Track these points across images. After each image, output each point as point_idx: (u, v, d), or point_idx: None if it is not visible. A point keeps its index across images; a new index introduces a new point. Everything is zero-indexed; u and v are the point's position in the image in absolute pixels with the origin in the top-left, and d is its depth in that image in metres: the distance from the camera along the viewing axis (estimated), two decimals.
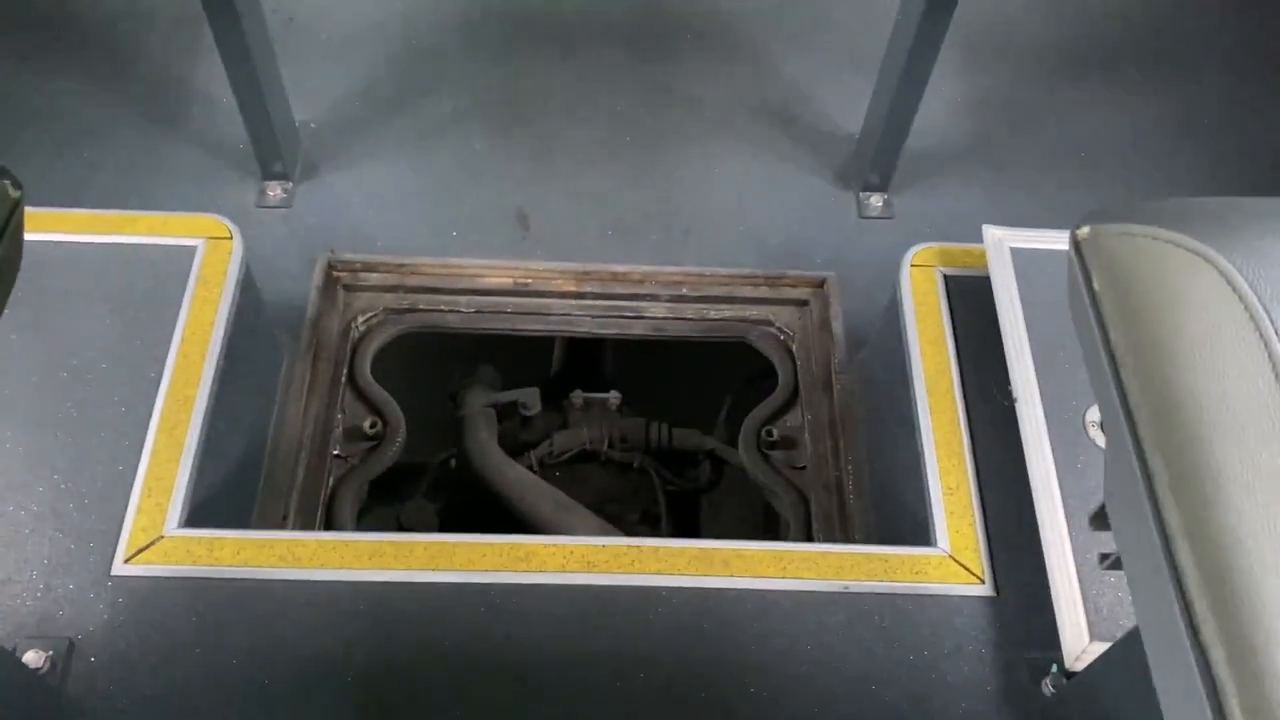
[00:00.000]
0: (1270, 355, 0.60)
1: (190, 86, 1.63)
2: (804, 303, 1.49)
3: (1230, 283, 0.63)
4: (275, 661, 0.99)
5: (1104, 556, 0.72)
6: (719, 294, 1.50)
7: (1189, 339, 0.61)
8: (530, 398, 1.65)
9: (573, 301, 1.51)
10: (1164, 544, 0.57)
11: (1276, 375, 0.60)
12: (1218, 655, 0.54)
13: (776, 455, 1.42)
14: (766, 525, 1.61)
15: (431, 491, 1.67)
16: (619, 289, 1.50)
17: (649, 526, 1.64)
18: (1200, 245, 0.64)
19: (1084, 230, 0.69)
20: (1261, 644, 0.53)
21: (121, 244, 1.19)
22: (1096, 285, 0.66)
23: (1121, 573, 0.96)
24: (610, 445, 1.65)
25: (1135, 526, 0.61)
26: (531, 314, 1.51)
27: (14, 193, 0.65)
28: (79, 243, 1.18)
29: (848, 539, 1.31)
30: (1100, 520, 0.68)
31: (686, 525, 1.69)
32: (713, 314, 1.51)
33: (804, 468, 1.39)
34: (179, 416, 1.10)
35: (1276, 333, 0.61)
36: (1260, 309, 0.62)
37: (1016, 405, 1.10)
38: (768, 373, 1.53)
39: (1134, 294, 0.64)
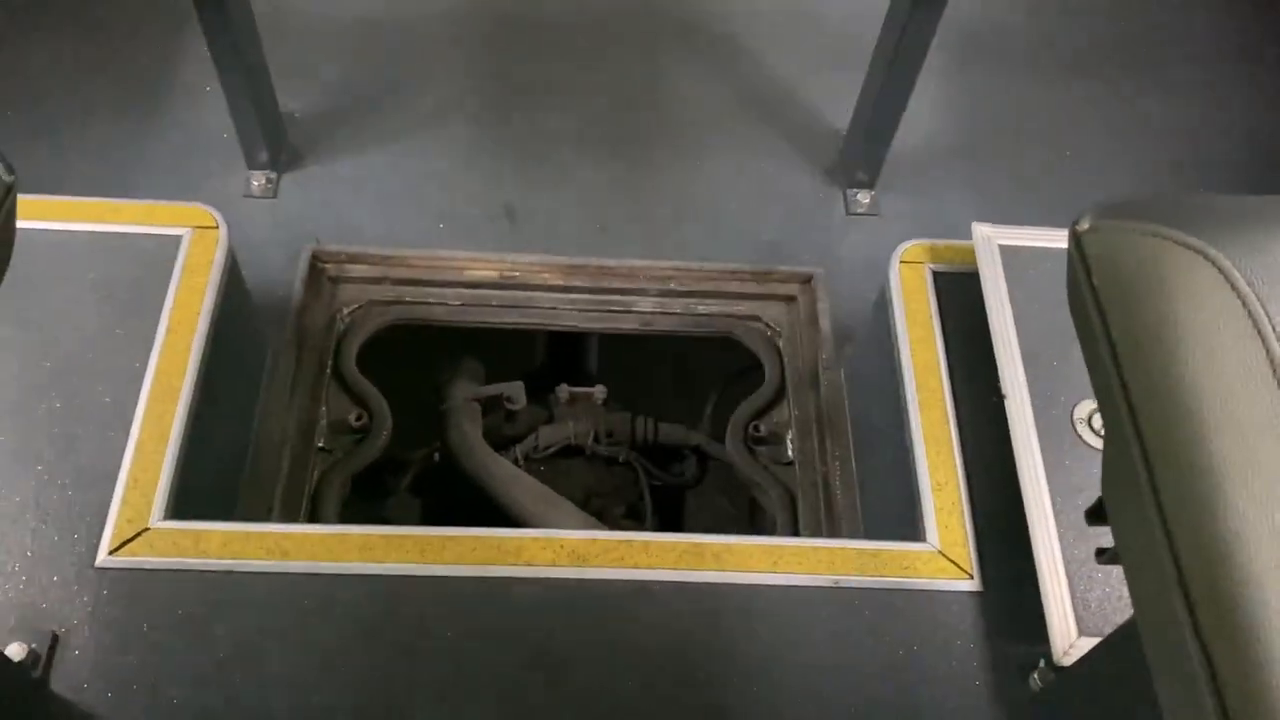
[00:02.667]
0: (1268, 352, 0.61)
1: (175, 74, 1.61)
2: (791, 298, 1.50)
3: (1229, 280, 0.63)
4: (261, 655, 0.98)
5: (1101, 551, 0.73)
6: (706, 289, 1.50)
7: (1188, 336, 0.62)
8: (515, 391, 1.64)
9: (560, 295, 1.50)
10: (1165, 539, 0.58)
11: (1274, 371, 0.60)
12: (1219, 648, 0.54)
13: (763, 450, 1.42)
14: (752, 521, 1.61)
15: (416, 485, 1.66)
16: (606, 283, 1.50)
17: (634, 521, 1.64)
18: (1199, 242, 0.65)
19: (1084, 224, 0.69)
20: (1263, 636, 0.53)
21: (107, 233, 1.17)
22: (1096, 280, 0.67)
23: (1111, 568, 0.97)
24: (596, 440, 1.64)
25: (1134, 522, 0.61)
26: (518, 307, 1.50)
27: (7, 178, 0.64)
28: (63, 230, 1.17)
29: (834, 534, 1.31)
30: (1096, 515, 0.69)
31: (671, 520, 1.69)
32: (700, 309, 1.51)
33: (791, 463, 1.40)
34: (164, 407, 1.08)
35: (1274, 330, 0.61)
36: (1259, 306, 0.62)
37: (1005, 402, 1.10)
38: (752, 368, 1.54)
39: (1133, 290, 0.64)
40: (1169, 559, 0.57)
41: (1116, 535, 0.66)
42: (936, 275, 1.23)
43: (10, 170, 0.64)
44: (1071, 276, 0.70)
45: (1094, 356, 0.66)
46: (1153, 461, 0.60)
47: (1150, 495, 0.59)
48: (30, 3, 1.68)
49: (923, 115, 1.64)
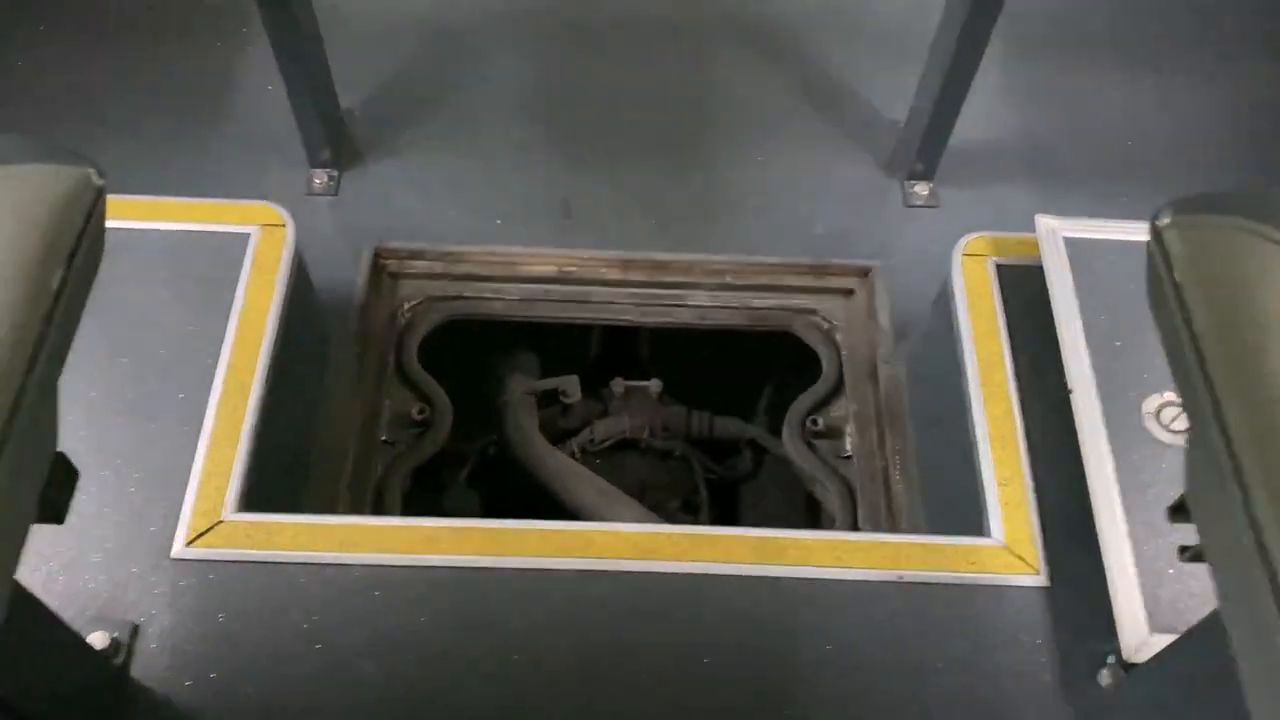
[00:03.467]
0: None
1: (236, 74, 1.64)
2: (849, 292, 1.49)
3: None
4: (333, 645, 1.00)
5: (1184, 549, 0.72)
6: (763, 283, 1.50)
7: (1277, 331, 0.61)
8: (570, 385, 1.65)
9: (616, 289, 1.51)
10: (1253, 536, 0.57)
11: None
12: None
13: (822, 445, 1.42)
14: (807, 514, 1.61)
15: (472, 478, 1.68)
16: (663, 277, 1.50)
17: (689, 515, 1.65)
18: None
19: (1164, 219, 0.68)
20: None
21: (177, 231, 1.19)
22: (1178, 276, 0.66)
23: (1187, 566, 0.96)
24: (651, 433, 1.65)
25: (1222, 519, 0.61)
26: (575, 302, 1.51)
27: (98, 181, 0.65)
28: (135, 229, 1.19)
29: (894, 529, 1.31)
30: (1179, 512, 0.68)
31: (726, 514, 1.69)
32: (756, 303, 1.50)
33: (849, 457, 1.39)
34: (236, 401, 1.10)
35: None
36: None
37: (1071, 396, 1.09)
38: (808, 361, 1.53)
39: (1219, 285, 0.64)
40: (1258, 556, 0.57)
41: (1201, 532, 0.65)
42: (1000, 268, 1.22)
43: (101, 174, 0.65)
44: (1152, 272, 0.69)
45: (1176, 353, 0.65)
46: (1239, 458, 0.59)
47: (1237, 492, 0.59)
48: (97, 6, 1.71)
49: (980, 105, 1.62)
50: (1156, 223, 0.68)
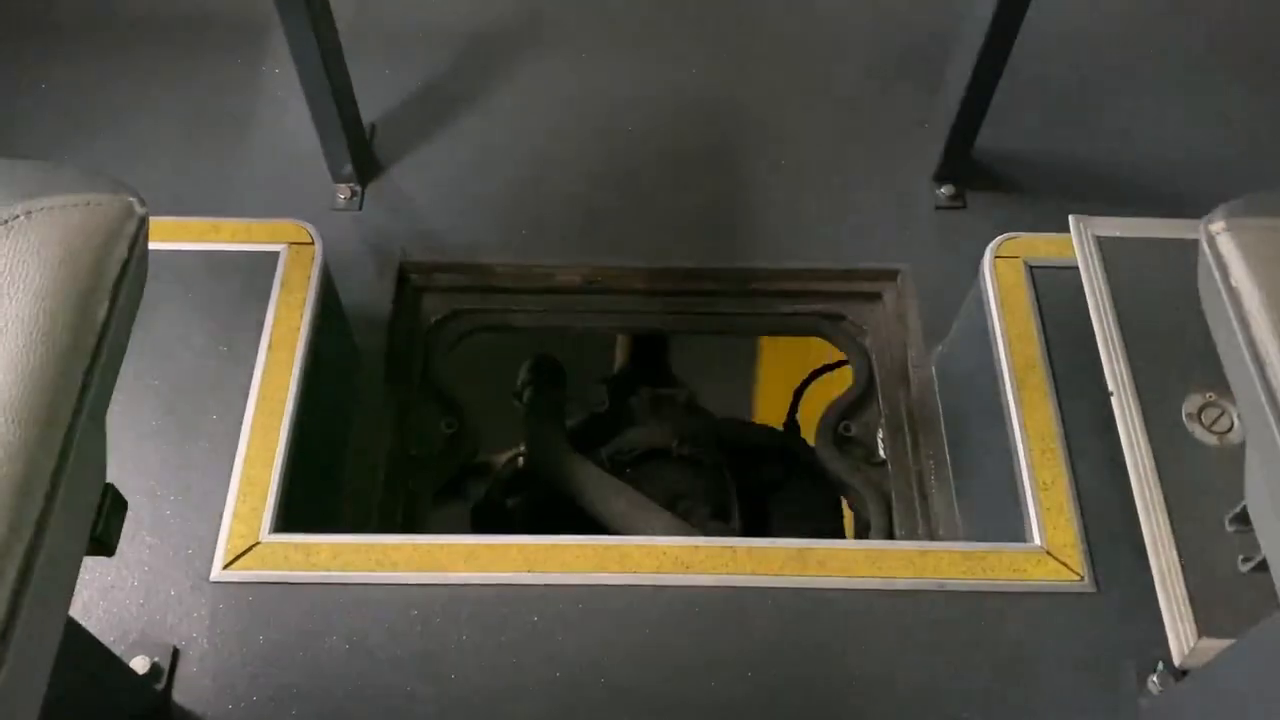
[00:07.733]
0: None
1: (257, 90, 1.64)
2: (877, 295, 1.48)
3: None
4: (375, 665, 1.00)
5: (1247, 559, 0.71)
6: (790, 289, 1.49)
7: None
8: (598, 395, 1.65)
9: (643, 298, 1.50)
10: None
11: None
12: None
13: (853, 451, 1.41)
14: (838, 521, 1.60)
15: (501, 489, 1.67)
16: (689, 285, 1.49)
17: (720, 523, 1.64)
18: None
19: (1217, 224, 0.67)
20: None
21: (206, 251, 1.19)
22: (1234, 282, 0.65)
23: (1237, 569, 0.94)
24: (680, 442, 1.64)
25: None
26: (601, 312, 1.50)
27: (140, 209, 0.65)
28: (164, 250, 1.19)
29: (930, 535, 1.30)
30: (1242, 521, 0.67)
31: (758, 521, 1.68)
32: (784, 308, 1.49)
33: (883, 463, 1.38)
34: (270, 422, 1.10)
35: None
36: None
37: (1111, 398, 1.08)
38: (835, 366, 1.52)
39: (1277, 289, 0.63)
40: None
41: (1264, 541, 0.64)
42: (1033, 269, 1.21)
43: (143, 202, 0.65)
44: (1204, 276, 0.68)
45: (1234, 360, 0.64)
46: None
47: None
48: (115, 24, 1.71)
49: (1007, 105, 1.60)
50: (1209, 227, 0.67)
